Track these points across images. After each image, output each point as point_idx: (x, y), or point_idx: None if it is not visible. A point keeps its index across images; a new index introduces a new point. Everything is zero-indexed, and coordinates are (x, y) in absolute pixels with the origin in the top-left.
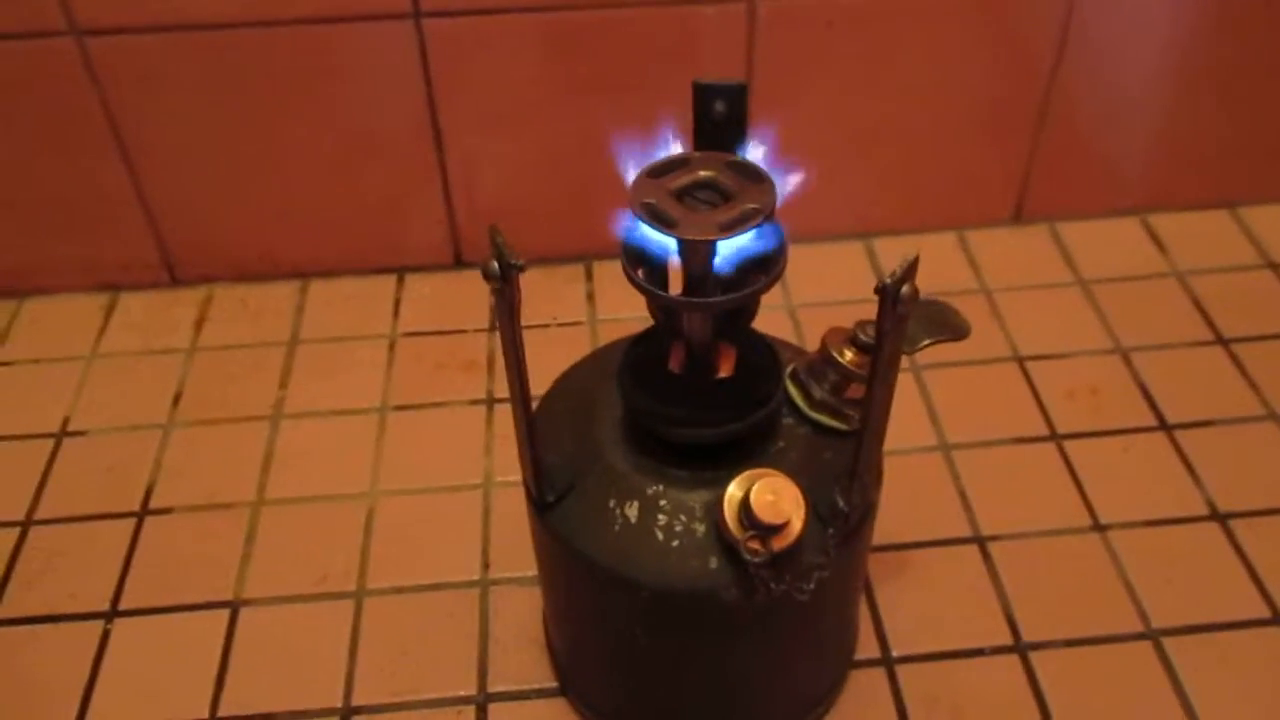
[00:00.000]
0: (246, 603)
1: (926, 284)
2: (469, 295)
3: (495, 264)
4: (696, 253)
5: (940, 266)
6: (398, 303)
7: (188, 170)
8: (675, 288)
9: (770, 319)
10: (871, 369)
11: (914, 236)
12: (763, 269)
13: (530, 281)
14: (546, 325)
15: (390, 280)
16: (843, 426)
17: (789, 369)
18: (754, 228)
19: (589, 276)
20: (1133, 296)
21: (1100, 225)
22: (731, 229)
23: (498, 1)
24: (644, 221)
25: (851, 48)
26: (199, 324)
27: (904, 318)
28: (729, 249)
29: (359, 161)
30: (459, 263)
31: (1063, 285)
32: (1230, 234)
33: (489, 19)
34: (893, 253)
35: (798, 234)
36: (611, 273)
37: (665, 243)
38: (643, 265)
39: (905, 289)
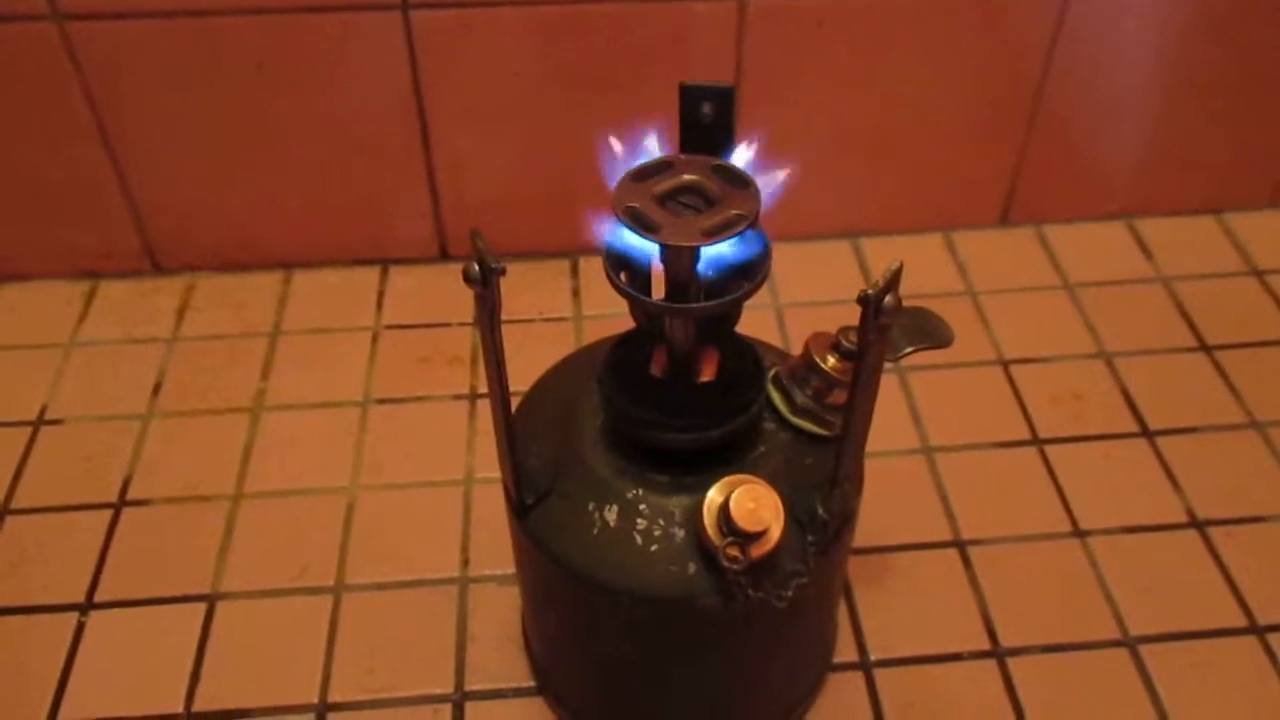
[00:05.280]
0: (224, 596)
1: (912, 285)
2: (454, 289)
3: (476, 267)
4: (679, 259)
5: (927, 268)
6: (381, 295)
7: (170, 157)
8: (658, 292)
9: (756, 318)
10: (853, 378)
11: (901, 237)
12: (746, 275)
13: (516, 276)
14: (531, 320)
15: (374, 272)
16: (824, 433)
17: (771, 373)
18: (738, 234)
19: (575, 272)
20: (1118, 301)
21: (1087, 229)
22: (715, 235)
23: None
24: (627, 226)
25: (842, 47)
26: (180, 313)
27: (886, 327)
28: (712, 254)
29: (344, 152)
30: (444, 256)
31: (1048, 289)
32: (1216, 240)
33: (477, 11)
34: (880, 253)
35: (785, 233)
36: (598, 269)
37: (648, 247)
38: (625, 269)
39: (888, 299)
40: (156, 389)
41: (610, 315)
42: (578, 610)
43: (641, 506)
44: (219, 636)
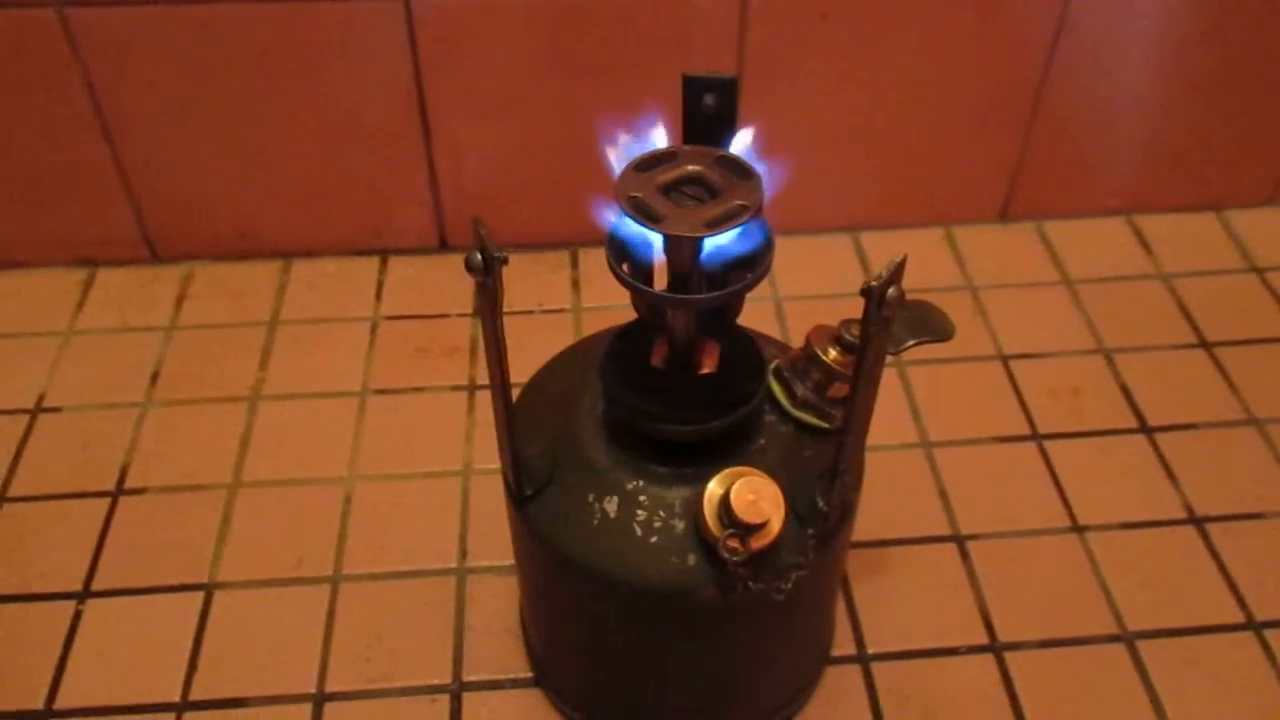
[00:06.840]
0: (221, 586)
1: (913, 280)
2: (453, 279)
3: (478, 256)
4: (682, 249)
5: (927, 262)
6: (380, 285)
7: (170, 146)
8: (660, 283)
9: (756, 311)
10: (855, 371)
11: (901, 231)
12: (749, 266)
13: (516, 267)
14: (531, 312)
15: (373, 262)
16: (825, 425)
17: (772, 366)
18: (740, 225)
19: (575, 264)
20: (1117, 297)
21: (1087, 225)
22: (718, 226)
23: None
24: (630, 216)
25: (844, 40)
26: (179, 302)
27: (888, 320)
28: (715, 245)
29: (345, 141)
30: (444, 246)
31: (1048, 284)
32: (1216, 237)
33: (478, 1)
34: (880, 247)
35: (785, 226)
36: (598, 260)
37: (651, 238)
38: (627, 259)
39: (891, 292)
40: (154, 377)
41: (609, 307)
42: (577, 601)
43: (641, 498)
44: (216, 625)
